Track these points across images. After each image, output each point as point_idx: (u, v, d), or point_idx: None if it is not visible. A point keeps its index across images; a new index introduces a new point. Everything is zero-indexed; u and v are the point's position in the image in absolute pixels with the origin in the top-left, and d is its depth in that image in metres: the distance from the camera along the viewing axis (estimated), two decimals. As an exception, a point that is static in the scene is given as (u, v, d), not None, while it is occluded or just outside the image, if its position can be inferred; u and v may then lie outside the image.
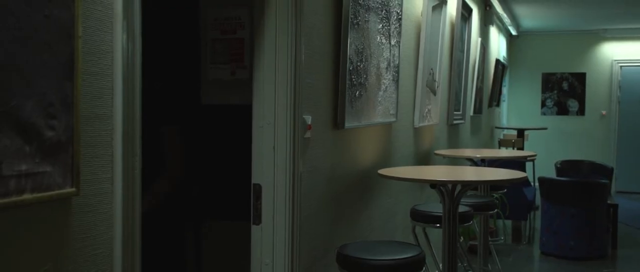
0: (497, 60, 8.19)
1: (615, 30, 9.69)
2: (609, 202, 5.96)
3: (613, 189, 7.55)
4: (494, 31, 8.17)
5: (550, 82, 10.27)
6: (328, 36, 2.65)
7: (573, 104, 10.18)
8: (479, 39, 6.67)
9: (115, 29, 1.41)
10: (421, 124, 4.19)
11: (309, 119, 2.45)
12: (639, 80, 9.71)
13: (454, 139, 5.62)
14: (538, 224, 6.34)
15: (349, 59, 2.77)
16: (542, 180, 6.08)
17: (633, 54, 9.73)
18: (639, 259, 5.84)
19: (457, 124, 5.67)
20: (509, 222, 6.83)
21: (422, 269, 2.49)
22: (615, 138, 9.78)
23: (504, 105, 10.21)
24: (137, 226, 1.49)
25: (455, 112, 5.42)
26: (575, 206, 5.69)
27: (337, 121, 2.75)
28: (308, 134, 2.45)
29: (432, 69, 4.40)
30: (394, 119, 3.57)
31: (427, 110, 4.32)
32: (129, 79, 1.45)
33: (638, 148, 9.66)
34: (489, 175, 3.19)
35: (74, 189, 1.28)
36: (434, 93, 4.51)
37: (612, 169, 6.91)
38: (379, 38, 3.18)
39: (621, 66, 9.81)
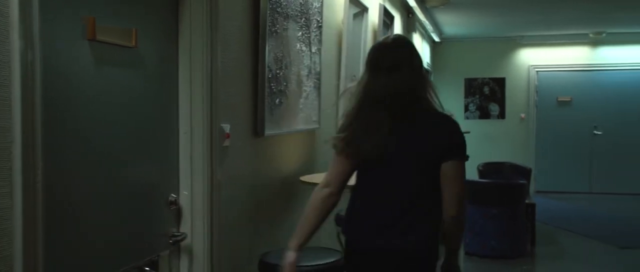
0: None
1: (531, 36, 10.13)
2: (527, 201, 6.20)
3: (531, 189, 7.86)
4: (417, 38, 8.37)
5: (472, 87, 10.61)
6: (246, 44, 2.65)
7: (494, 108, 10.56)
8: (402, 46, 6.81)
9: (12, 38, 1.36)
10: (345, 130, 4.24)
11: (227, 128, 2.43)
12: (554, 84, 10.18)
13: (379, 144, 5.71)
14: (462, 225, 6.52)
15: (268, 66, 2.78)
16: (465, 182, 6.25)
17: (548, 59, 10.19)
18: (555, 255, 6.10)
19: (382, 129, 5.77)
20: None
21: (343, 273, 2.52)
22: (533, 140, 10.20)
23: (430, 110, 10.46)
24: (40, 242, 1.44)
25: (379, 118, 5.51)
26: (497, 207, 5.89)
27: (257, 129, 2.75)
28: (226, 143, 2.44)
29: (354, 75, 4.46)
30: (317, 126, 3.60)
31: (350, 116, 4.38)
32: (29, 89, 1.40)
33: (554, 149, 10.12)
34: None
35: (-34, 206, 1.22)
36: (358, 99, 4.57)
37: (530, 170, 7.18)
38: (298, 46, 3.20)
39: (537, 71, 10.25)
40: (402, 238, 2.00)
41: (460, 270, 2.14)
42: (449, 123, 2.05)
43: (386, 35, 2.18)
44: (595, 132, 10.02)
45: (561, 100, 10.12)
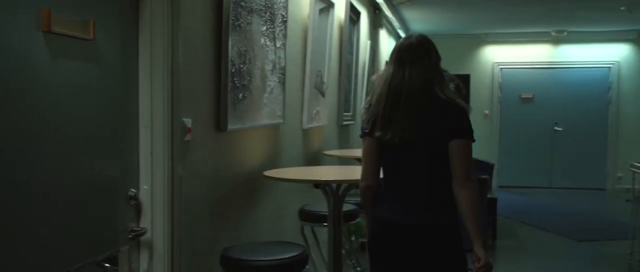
0: (387, 63, 8.44)
1: (496, 34, 10.29)
2: (489, 196, 6.30)
3: (494, 184, 7.99)
4: (384, 34, 8.43)
5: (438, 83, 10.72)
6: (208, 38, 2.64)
7: (459, 104, 10.68)
8: (369, 42, 6.85)
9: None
10: (310, 125, 4.25)
11: (188, 122, 2.42)
12: (517, 81, 10.36)
13: (344, 140, 5.74)
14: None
15: (231, 61, 2.77)
16: (428, 177, 6.33)
17: (511, 56, 10.37)
18: (516, 248, 6.23)
19: (348, 124, 5.80)
20: (399, 219, 7.06)
21: (304, 268, 2.54)
22: (497, 136, 10.37)
23: (396, 105, 10.55)
24: (-8, 236, 1.42)
25: (345, 113, 5.55)
26: (459, 201, 5.97)
27: (220, 124, 2.74)
28: (188, 137, 2.42)
29: (320, 71, 4.48)
30: (281, 121, 3.60)
31: (315, 111, 4.39)
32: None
33: (517, 145, 10.31)
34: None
35: None
36: (323, 94, 4.59)
37: (493, 165, 7.30)
38: (263, 40, 3.19)
39: (501, 68, 10.42)
40: (417, 211, 2.29)
41: (485, 258, 2.22)
42: (456, 109, 2.28)
43: (409, 34, 2.46)
44: (556, 128, 10.24)
45: (524, 97, 10.31)
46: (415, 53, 2.33)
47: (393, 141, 2.27)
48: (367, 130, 2.34)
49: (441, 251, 2.29)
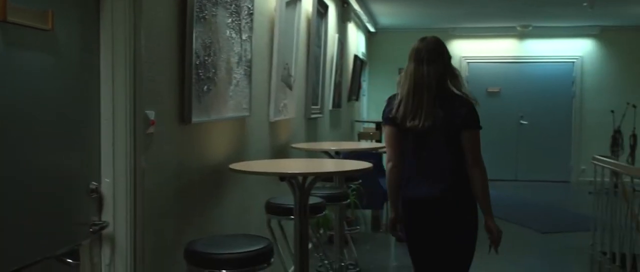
0: (356, 56, 8.47)
1: (462, 28, 10.39)
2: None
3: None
4: (352, 28, 8.44)
5: (406, 77, 10.79)
6: (172, 30, 2.61)
7: (427, 98, 10.78)
8: (337, 35, 6.86)
9: None
10: (277, 118, 4.24)
11: (152, 114, 2.39)
12: (484, 75, 10.49)
13: (312, 133, 5.75)
14: (394, 212, 6.66)
15: (196, 53, 2.74)
16: (396, 170, 6.37)
17: (478, 51, 10.49)
18: (482, 240, 6.27)
19: (316, 117, 5.81)
20: (368, 212, 7.10)
21: (269, 261, 2.53)
22: (464, 129, 10.49)
23: (364, 99, 10.59)
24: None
25: (313, 107, 5.55)
26: (426, 194, 6.03)
27: (184, 116, 2.72)
28: (151, 130, 2.40)
29: (287, 64, 4.47)
30: (247, 114, 3.59)
31: (283, 104, 4.38)
32: None
33: (483, 138, 10.41)
34: (337, 166, 3.30)
35: None
36: (290, 87, 4.58)
37: (459, 158, 7.39)
38: (228, 32, 3.17)
39: (468, 62, 10.54)
40: (436, 186, 2.76)
41: (496, 229, 2.82)
42: (466, 104, 2.75)
43: (423, 37, 2.89)
44: (522, 122, 10.40)
45: (490, 91, 10.44)
46: (431, 52, 2.76)
47: (419, 128, 2.71)
48: (391, 117, 2.79)
49: (458, 217, 2.80)
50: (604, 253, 5.61)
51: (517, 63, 10.42)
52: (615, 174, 5.54)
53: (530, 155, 10.38)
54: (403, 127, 2.76)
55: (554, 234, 6.72)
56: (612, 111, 9.43)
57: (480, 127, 2.79)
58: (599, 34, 10.24)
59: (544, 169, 10.27)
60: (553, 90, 10.38)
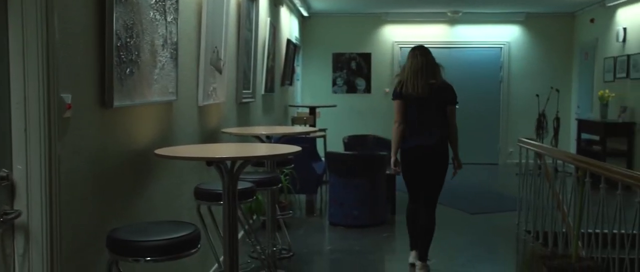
0: (289, 41, 8.42)
1: (395, 13, 10.51)
2: (388, 172, 6.46)
3: (394, 160, 8.20)
4: (285, 12, 8.38)
5: (340, 62, 10.84)
6: (90, 9, 2.50)
7: (361, 83, 10.87)
8: (268, 19, 6.79)
9: None
10: (206, 103, 4.16)
11: (68, 98, 2.29)
12: (416, 60, 10.64)
13: (244, 118, 5.68)
14: (328, 197, 6.69)
15: (116, 34, 2.64)
16: (328, 155, 6.41)
17: (410, 36, 10.64)
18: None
19: (248, 102, 5.74)
20: (303, 197, 7.11)
21: (196, 247, 2.48)
22: (397, 114, 10.64)
23: (299, 84, 10.57)
24: None
25: (244, 91, 5.48)
26: (358, 177, 6.09)
27: (105, 100, 2.61)
28: (68, 114, 2.29)
29: (216, 47, 4.38)
30: (174, 98, 3.50)
31: (212, 88, 4.30)
32: None
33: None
34: (267, 150, 3.26)
35: None
36: (220, 71, 4.50)
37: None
38: (152, 14, 3.07)
39: (400, 47, 10.67)
40: (430, 139, 4.41)
41: (461, 162, 4.68)
42: (451, 88, 4.49)
43: (415, 45, 4.62)
44: (452, 106, 10.63)
45: (422, 75, 10.62)
46: (423, 49, 4.48)
47: (418, 94, 4.34)
48: (399, 92, 4.42)
49: (442, 160, 4.47)
50: (529, 232, 5.82)
51: (448, 48, 10.63)
52: (539, 155, 5.73)
53: (460, 138, 10.60)
54: (407, 99, 4.36)
55: (482, 214, 6.93)
56: (537, 95, 9.77)
57: (457, 103, 4.50)
58: (524, 20, 10.57)
59: (473, 152, 10.53)
60: (482, 75, 10.66)
